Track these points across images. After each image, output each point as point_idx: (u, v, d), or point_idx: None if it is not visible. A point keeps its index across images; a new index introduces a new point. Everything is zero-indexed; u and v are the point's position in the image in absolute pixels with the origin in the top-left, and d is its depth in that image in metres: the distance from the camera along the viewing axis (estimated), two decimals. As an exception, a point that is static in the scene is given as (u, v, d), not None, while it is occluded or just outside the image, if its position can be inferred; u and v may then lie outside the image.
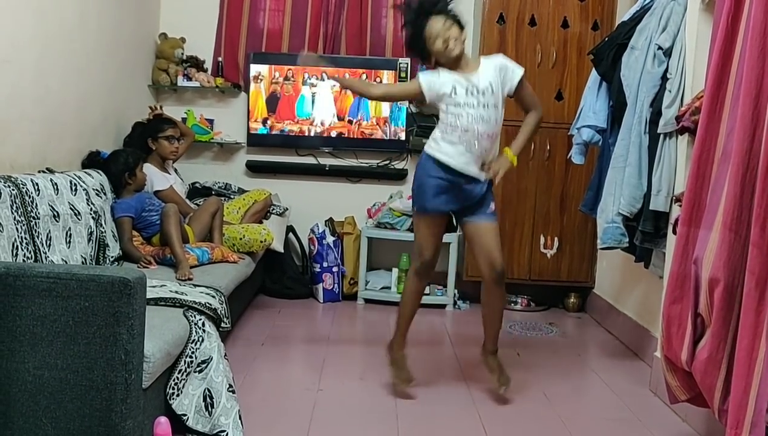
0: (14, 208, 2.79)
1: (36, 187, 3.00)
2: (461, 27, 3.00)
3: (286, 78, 5.03)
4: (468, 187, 3.04)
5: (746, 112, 2.22)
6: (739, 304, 2.25)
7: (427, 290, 4.78)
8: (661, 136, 3.27)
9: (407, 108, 5.03)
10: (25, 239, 2.81)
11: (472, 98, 2.97)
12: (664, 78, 3.29)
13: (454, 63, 3.00)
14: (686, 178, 2.72)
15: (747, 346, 2.16)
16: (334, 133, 5.09)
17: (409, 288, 3.23)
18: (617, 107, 3.63)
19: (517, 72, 3.05)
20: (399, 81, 4.97)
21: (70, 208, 3.23)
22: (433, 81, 3.01)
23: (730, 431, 2.19)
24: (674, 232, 2.87)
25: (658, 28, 3.35)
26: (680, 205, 2.82)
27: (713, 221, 2.36)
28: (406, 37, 3.07)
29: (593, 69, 3.87)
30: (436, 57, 3.00)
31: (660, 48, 3.29)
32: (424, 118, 5.06)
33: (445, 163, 3.01)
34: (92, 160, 3.84)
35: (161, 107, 4.60)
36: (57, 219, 3.09)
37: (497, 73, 3.02)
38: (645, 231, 3.35)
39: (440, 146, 3.02)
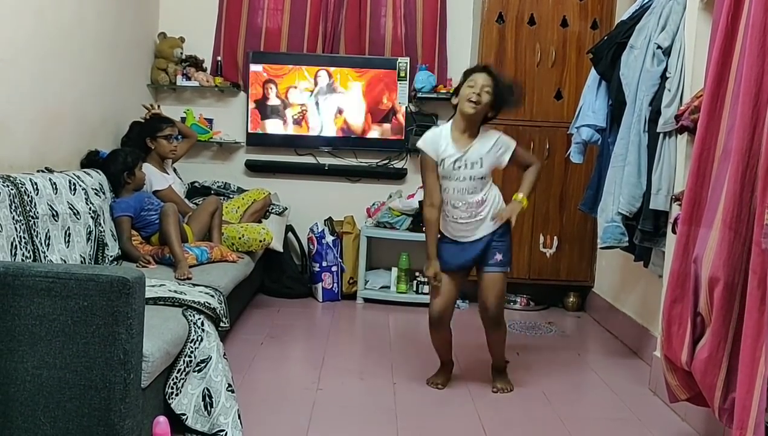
0: (13, 207, 2.78)
1: (35, 187, 2.99)
2: (494, 105, 3.05)
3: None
4: (469, 247, 3.15)
5: (746, 111, 2.22)
6: (740, 303, 2.25)
7: (426, 290, 4.80)
8: (661, 135, 3.26)
9: (407, 107, 5.03)
10: (24, 238, 2.81)
11: (458, 172, 3.06)
12: (664, 77, 3.28)
13: (464, 120, 3.06)
14: (686, 177, 2.72)
15: (750, 346, 2.14)
16: (333, 133, 5.09)
17: (432, 337, 3.29)
18: (616, 106, 3.63)
19: (509, 149, 3.13)
20: (398, 80, 4.98)
21: (69, 208, 3.23)
22: (432, 144, 3.09)
23: (735, 431, 2.17)
24: (674, 231, 2.87)
25: (658, 27, 3.35)
26: (679, 204, 2.82)
27: (713, 219, 2.35)
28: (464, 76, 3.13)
29: (592, 68, 3.87)
30: (459, 101, 3.06)
31: (659, 47, 3.29)
32: (423, 117, 5.06)
33: (449, 239, 3.18)
34: (91, 160, 3.84)
35: (159, 106, 4.60)
36: (56, 219, 3.09)
37: (491, 151, 3.09)
38: (644, 230, 3.35)
39: (442, 224, 3.18)
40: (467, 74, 3.09)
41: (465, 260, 3.17)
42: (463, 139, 3.08)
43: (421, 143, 3.13)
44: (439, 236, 3.19)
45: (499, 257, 3.16)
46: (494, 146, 3.10)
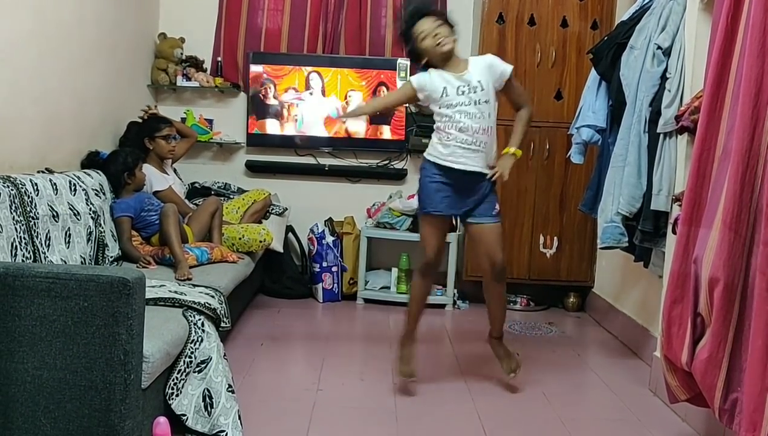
0: (13, 208, 2.78)
1: (35, 188, 2.99)
2: (451, 27, 3.09)
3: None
4: (470, 186, 3.11)
5: (746, 111, 2.22)
6: (740, 303, 2.25)
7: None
8: (661, 136, 3.26)
9: (406, 108, 5.02)
10: (24, 239, 2.81)
11: (463, 97, 3.05)
12: (664, 77, 3.28)
13: (444, 61, 3.08)
14: (686, 178, 2.72)
15: (761, 347, 2.12)
16: (333, 134, 5.10)
17: (415, 286, 3.32)
18: (616, 107, 3.63)
19: (506, 69, 3.14)
20: (398, 81, 4.98)
21: (69, 209, 3.23)
22: (423, 81, 3.10)
23: (747, 433, 2.17)
24: (674, 231, 2.87)
25: (658, 27, 3.35)
26: (680, 205, 2.82)
27: (713, 219, 2.35)
28: (401, 38, 3.18)
29: (592, 68, 3.87)
30: (427, 56, 3.08)
31: (659, 47, 3.29)
32: (423, 118, 5.06)
33: (446, 166, 3.09)
34: (92, 161, 3.84)
35: (156, 107, 4.59)
36: (56, 219, 3.09)
37: (487, 70, 3.10)
38: (644, 230, 3.34)
39: (439, 151, 3.11)
40: (408, 31, 3.08)
41: (462, 207, 3.14)
42: (455, 70, 3.08)
43: (413, 78, 3.14)
44: (435, 175, 3.12)
45: (497, 207, 3.18)
46: (489, 64, 3.11)
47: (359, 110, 3.85)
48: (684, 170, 3.09)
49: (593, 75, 3.87)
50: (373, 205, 5.04)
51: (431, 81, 3.08)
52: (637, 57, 3.43)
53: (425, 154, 3.18)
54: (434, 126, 3.16)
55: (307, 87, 5.03)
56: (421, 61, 3.13)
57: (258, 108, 5.06)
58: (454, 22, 3.12)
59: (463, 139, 3.06)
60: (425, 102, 3.14)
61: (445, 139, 3.08)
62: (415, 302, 3.31)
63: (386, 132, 5.08)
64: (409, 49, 3.15)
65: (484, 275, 3.25)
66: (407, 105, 4.98)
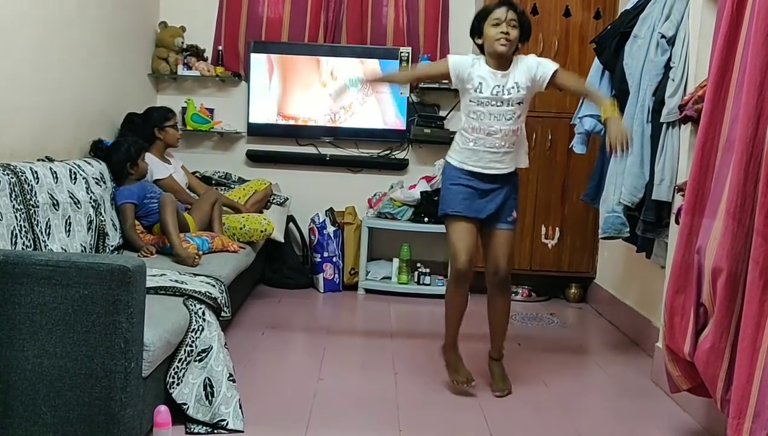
0: (13, 196, 2.77)
1: (35, 176, 2.98)
2: (523, 35, 2.97)
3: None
4: (494, 189, 3.02)
5: (750, 100, 2.20)
6: (743, 293, 2.24)
7: (428, 281, 4.80)
8: (664, 126, 3.25)
9: (408, 97, 5.01)
10: (24, 227, 2.80)
11: (496, 98, 2.95)
12: (667, 67, 3.26)
13: (495, 59, 2.96)
14: (689, 168, 2.71)
15: (750, 336, 2.15)
16: (335, 123, 5.08)
17: (450, 297, 3.15)
18: (620, 96, 3.60)
19: (547, 71, 2.96)
20: (400, 69, 4.95)
21: (70, 197, 3.22)
22: (462, 65, 2.98)
23: (733, 420, 2.18)
24: (677, 221, 2.86)
25: (662, 16, 3.33)
26: (683, 195, 2.81)
27: (716, 209, 2.34)
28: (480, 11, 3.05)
29: (595, 58, 3.85)
30: (484, 42, 2.96)
31: (663, 37, 3.27)
32: (425, 107, 5.05)
33: (469, 169, 3.01)
34: (99, 149, 3.85)
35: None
36: (56, 207, 3.08)
37: (526, 71, 2.97)
38: (647, 221, 3.33)
39: (466, 155, 3.02)
40: (485, 13, 2.97)
41: (484, 211, 3.01)
42: (500, 68, 2.96)
43: (451, 58, 3.02)
44: (458, 178, 3.02)
45: (514, 214, 3.08)
46: (528, 66, 2.96)
47: (389, 77, 3.61)
48: (687, 160, 3.07)
49: (596, 65, 3.84)
50: (375, 195, 5.03)
51: (471, 69, 2.96)
52: (641, 46, 3.41)
53: (447, 158, 3.10)
54: (460, 129, 3.06)
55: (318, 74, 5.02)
56: (477, 41, 3.02)
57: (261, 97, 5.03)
58: (529, 32, 3.00)
59: (492, 143, 2.97)
60: (457, 85, 3.01)
61: (473, 145, 2.99)
62: (452, 314, 3.15)
63: (386, 121, 5.06)
64: (475, 22, 3.02)
65: (487, 284, 3.13)
66: (409, 95, 4.98)
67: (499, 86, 2.95)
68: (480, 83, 2.95)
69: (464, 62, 2.99)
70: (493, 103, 2.95)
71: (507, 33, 2.88)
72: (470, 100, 2.99)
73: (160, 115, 4.23)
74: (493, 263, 3.07)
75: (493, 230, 3.07)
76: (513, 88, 2.95)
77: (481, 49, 3.03)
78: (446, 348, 3.21)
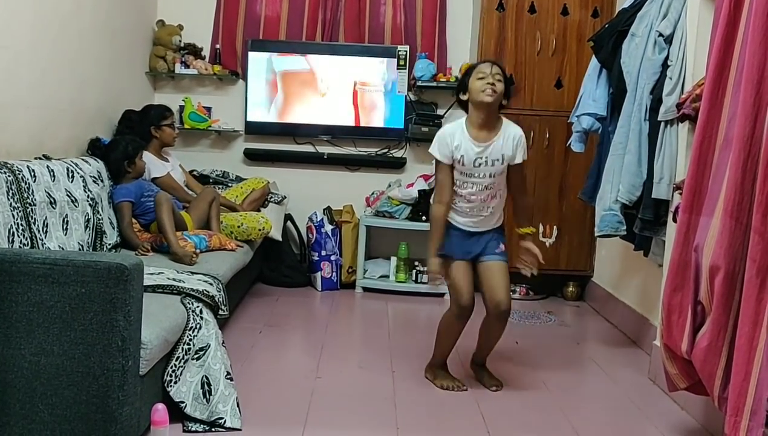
0: (10, 194, 2.77)
1: (32, 174, 2.98)
2: (507, 90, 2.98)
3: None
4: (479, 237, 3.09)
5: (748, 98, 2.21)
6: (740, 291, 2.24)
7: (425, 279, 4.79)
8: (662, 124, 3.25)
9: (405, 96, 5.01)
10: (22, 225, 2.80)
11: (478, 169, 2.98)
12: (665, 65, 3.26)
13: (479, 111, 2.96)
14: (687, 166, 2.71)
15: (747, 333, 2.15)
16: (332, 122, 5.08)
17: (449, 329, 3.14)
18: (617, 95, 3.61)
19: (520, 157, 3.02)
20: (398, 69, 4.96)
21: (67, 195, 3.21)
22: (443, 148, 2.99)
23: (730, 418, 2.19)
24: (674, 220, 2.86)
25: (659, 14, 3.33)
26: (680, 193, 2.81)
27: (714, 207, 2.34)
28: (466, 71, 3.09)
29: (593, 56, 3.85)
30: (469, 94, 2.97)
31: (661, 35, 3.27)
32: (422, 106, 5.04)
33: (456, 226, 3.08)
34: (97, 147, 3.84)
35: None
36: (54, 206, 3.08)
37: (511, 146, 2.99)
38: (644, 219, 3.33)
39: (451, 213, 3.08)
40: (470, 69, 3.01)
41: (471, 252, 3.08)
42: (482, 134, 2.97)
43: (432, 149, 3.03)
44: (452, 230, 3.08)
45: (502, 246, 3.11)
46: (514, 144, 2.99)
47: (438, 231, 3.12)
48: (685, 158, 3.07)
49: (594, 63, 3.84)
50: (372, 193, 5.03)
51: (452, 143, 2.97)
52: (639, 44, 3.41)
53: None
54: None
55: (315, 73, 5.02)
56: (462, 97, 3.02)
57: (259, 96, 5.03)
58: (514, 93, 3.05)
59: (472, 208, 3.03)
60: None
61: (457, 207, 3.05)
62: (446, 341, 3.16)
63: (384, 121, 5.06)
64: (461, 80, 3.06)
65: (486, 312, 3.11)
66: (407, 94, 4.98)
67: (481, 158, 2.97)
68: (462, 155, 2.97)
69: (444, 143, 2.99)
70: (475, 175, 2.99)
71: (493, 84, 2.90)
72: (455, 170, 3.02)
73: (158, 113, 4.22)
74: (492, 298, 3.03)
75: (485, 262, 3.08)
76: (498, 160, 2.98)
77: (464, 106, 3.04)
78: (433, 367, 3.21)
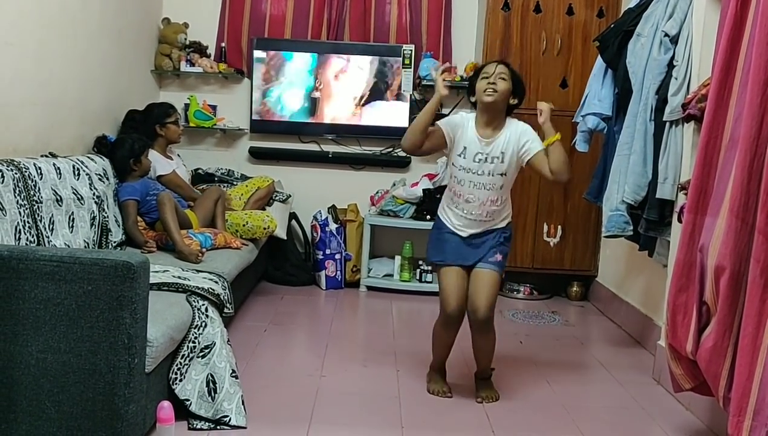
0: (17, 192, 2.77)
1: (39, 172, 2.99)
2: (515, 90, 2.95)
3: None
4: (476, 242, 3.01)
5: (754, 99, 2.21)
6: (745, 292, 2.24)
7: (429, 278, 4.80)
8: (667, 124, 3.25)
9: (410, 95, 5.01)
10: (28, 223, 2.81)
11: (478, 165, 2.93)
12: (671, 65, 3.26)
13: (484, 113, 2.94)
14: (692, 166, 2.71)
15: (751, 334, 2.15)
16: (337, 121, 5.08)
17: (438, 336, 3.09)
18: (622, 95, 3.61)
19: (532, 147, 2.93)
20: (403, 68, 4.96)
21: (73, 193, 3.22)
22: (450, 123, 2.97)
23: (733, 418, 2.19)
24: (679, 220, 2.86)
25: (665, 14, 3.32)
26: (685, 193, 2.81)
27: (720, 208, 2.34)
28: (474, 72, 3.06)
29: (598, 56, 3.85)
30: (475, 94, 2.95)
31: (666, 35, 3.27)
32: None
33: (451, 230, 3.02)
34: (103, 145, 3.85)
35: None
36: (60, 203, 3.09)
37: (515, 141, 2.93)
38: (649, 219, 3.33)
39: (447, 214, 3.05)
40: (478, 71, 2.99)
41: (472, 257, 3.00)
42: (488, 132, 2.94)
43: (441, 120, 2.99)
44: (444, 229, 3.05)
45: (498, 257, 3.00)
46: (520, 138, 2.92)
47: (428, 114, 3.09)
48: (690, 159, 3.07)
49: (599, 63, 3.84)
50: (377, 192, 5.03)
51: (461, 129, 2.94)
52: (644, 44, 3.41)
53: (438, 212, 3.11)
54: (447, 188, 3.07)
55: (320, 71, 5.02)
56: (471, 99, 3.01)
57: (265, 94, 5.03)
58: (522, 92, 2.98)
59: (470, 210, 2.96)
60: (449, 145, 2.97)
61: (454, 207, 3.00)
62: (438, 349, 3.11)
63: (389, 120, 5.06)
64: (469, 81, 3.04)
65: (469, 323, 2.99)
66: (412, 93, 4.98)
67: (481, 154, 2.93)
68: (465, 147, 2.94)
69: (454, 122, 2.97)
70: (474, 171, 2.94)
71: (494, 84, 2.88)
72: (453, 163, 2.99)
73: (161, 111, 4.21)
74: (472, 304, 2.94)
75: (477, 269, 3.00)
76: (497, 158, 2.92)
77: (475, 106, 3.01)
78: (431, 369, 3.18)
